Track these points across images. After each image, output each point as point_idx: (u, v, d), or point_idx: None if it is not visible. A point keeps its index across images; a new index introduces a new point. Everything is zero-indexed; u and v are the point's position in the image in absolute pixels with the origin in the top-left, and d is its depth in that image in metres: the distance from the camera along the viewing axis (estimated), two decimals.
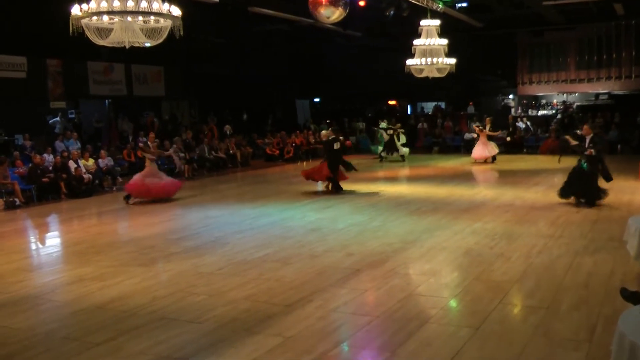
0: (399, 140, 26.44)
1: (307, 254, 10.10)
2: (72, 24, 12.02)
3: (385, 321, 6.92)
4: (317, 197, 16.46)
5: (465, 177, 20.67)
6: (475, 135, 26.22)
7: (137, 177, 16.95)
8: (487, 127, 24.84)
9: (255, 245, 10.90)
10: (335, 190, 17.16)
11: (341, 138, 17.59)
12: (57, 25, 15.68)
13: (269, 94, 34.16)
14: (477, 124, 26.48)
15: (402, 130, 27.05)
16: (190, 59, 30.09)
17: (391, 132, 26.25)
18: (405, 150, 26.43)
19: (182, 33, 12.42)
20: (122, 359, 6.11)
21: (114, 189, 20.43)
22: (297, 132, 30.35)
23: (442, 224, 12.31)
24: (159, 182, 16.90)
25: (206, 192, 18.51)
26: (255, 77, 32.26)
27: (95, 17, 12.19)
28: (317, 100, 39.69)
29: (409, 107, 38.68)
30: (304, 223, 12.89)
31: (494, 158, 24.47)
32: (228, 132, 28.94)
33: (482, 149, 24.47)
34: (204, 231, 12.45)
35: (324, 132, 19.06)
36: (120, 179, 21.33)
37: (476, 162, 24.46)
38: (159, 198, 16.74)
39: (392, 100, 37.74)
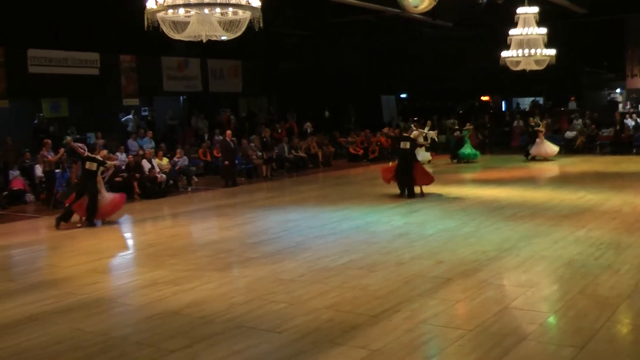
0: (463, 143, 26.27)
1: (394, 261, 10.02)
2: (147, 18, 12.30)
3: (479, 336, 6.77)
4: (403, 201, 16.33)
5: (566, 180, 20.17)
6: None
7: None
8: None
9: (338, 251, 10.89)
10: (410, 195, 16.71)
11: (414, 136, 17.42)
12: (130, 20, 16.11)
13: (352, 90, 34.16)
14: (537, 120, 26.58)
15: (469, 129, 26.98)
16: (269, 53, 30.39)
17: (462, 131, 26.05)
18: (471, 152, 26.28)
19: (261, 25, 12.52)
20: None
21: (189, 189, 20.85)
22: (383, 130, 30.22)
23: (541, 231, 12.00)
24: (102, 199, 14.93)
25: (285, 193, 18.69)
26: (337, 72, 32.33)
27: (171, 10, 12.44)
28: (403, 96, 39.47)
29: (503, 103, 37.98)
30: (389, 228, 12.82)
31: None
32: (309, 130, 29.09)
33: (542, 147, 25.42)
34: (283, 235, 12.54)
35: (415, 132, 18.95)
36: (195, 179, 21.77)
37: (535, 159, 25.36)
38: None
39: (484, 95, 37.17)
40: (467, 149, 25.99)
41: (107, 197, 15.04)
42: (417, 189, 16.71)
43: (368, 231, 12.57)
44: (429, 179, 16.76)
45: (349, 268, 9.69)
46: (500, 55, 22.04)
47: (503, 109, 37.40)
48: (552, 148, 25.61)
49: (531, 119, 26.88)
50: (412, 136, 17.85)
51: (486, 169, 23.81)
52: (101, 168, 14.92)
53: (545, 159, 25.26)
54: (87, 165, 14.71)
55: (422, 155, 24.68)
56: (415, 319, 7.31)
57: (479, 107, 35.37)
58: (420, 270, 9.42)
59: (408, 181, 16.57)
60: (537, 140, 25.40)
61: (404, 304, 7.82)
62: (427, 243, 11.30)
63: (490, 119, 32.67)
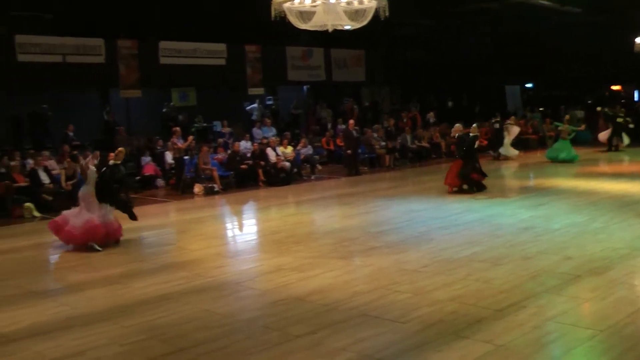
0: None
1: (519, 255, 9.80)
2: (274, 9, 12.50)
3: (611, 337, 6.51)
4: (528, 193, 15.96)
5: None
6: None
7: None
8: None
9: (461, 242, 10.76)
10: (478, 188, 16.36)
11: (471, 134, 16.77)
12: (256, 11, 16.45)
13: (476, 80, 33.57)
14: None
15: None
16: (393, 42, 30.28)
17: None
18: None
19: (387, 14, 12.50)
20: (322, 354, 6.28)
21: (313, 177, 21.14)
22: (508, 121, 29.48)
23: None
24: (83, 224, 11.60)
25: (408, 183, 18.61)
26: (461, 62, 31.85)
27: (297, 1, 12.60)
28: (529, 85, 38.42)
29: (635, 92, 36.27)
30: (514, 221, 12.53)
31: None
32: (431, 120, 28.83)
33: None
34: (406, 225, 12.51)
35: (457, 125, 18.25)
36: (319, 167, 22.04)
37: None
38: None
39: (615, 85, 35.62)
40: (563, 151, 22.88)
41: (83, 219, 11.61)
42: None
43: (492, 224, 12.35)
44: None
45: (473, 260, 9.56)
46: (635, 42, 21.04)
47: (635, 98, 35.70)
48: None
49: None
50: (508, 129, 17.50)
51: (617, 162, 22.84)
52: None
53: None
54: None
55: (509, 151, 24.09)
56: (542, 315, 7.13)
57: (608, 97, 33.92)
58: (547, 265, 9.18)
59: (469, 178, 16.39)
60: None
61: (530, 300, 7.64)
62: (553, 238, 10.98)
63: (622, 109, 31.25)
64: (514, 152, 24.31)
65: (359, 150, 22.41)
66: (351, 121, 22.62)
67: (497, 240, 10.85)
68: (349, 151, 21.61)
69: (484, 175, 16.69)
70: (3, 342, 7.05)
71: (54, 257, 11.88)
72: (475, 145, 16.61)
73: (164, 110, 24.87)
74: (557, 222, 12.23)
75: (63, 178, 17.13)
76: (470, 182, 16.38)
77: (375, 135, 24.04)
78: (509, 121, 24.97)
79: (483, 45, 32.58)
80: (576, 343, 6.40)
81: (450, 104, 33.30)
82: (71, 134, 21.10)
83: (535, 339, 6.49)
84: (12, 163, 16.91)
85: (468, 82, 33.15)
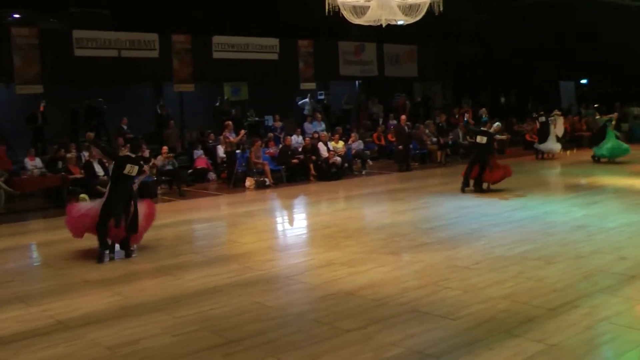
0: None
1: (572, 254, 9.64)
2: (328, 4, 12.54)
3: None
4: (582, 191, 15.69)
5: None
6: None
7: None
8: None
9: (514, 240, 10.64)
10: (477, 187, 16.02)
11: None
12: (309, 6, 16.48)
13: (529, 75, 33.10)
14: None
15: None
16: (446, 37, 30.05)
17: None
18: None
19: (441, 9, 12.43)
20: (372, 348, 6.27)
21: (364, 172, 21.14)
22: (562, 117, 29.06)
23: None
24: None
25: (459, 180, 18.33)
26: (514, 57, 31.42)
27: None
28: (583, 81, 37.72)
29: None
30: (568, 219, 12.34)
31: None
32: (483, 116, 28.52)
33: None
34: (457, 222, 12.42)
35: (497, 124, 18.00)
36: (370, 163, 22.03)
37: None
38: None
39: None
40: (608, 145, 21.56)
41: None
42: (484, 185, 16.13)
43: (545, 221, 12.17)
44: (499, 175, 16.04)
45: (525, 258, 9.44)
46: None
47: None
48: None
49: None
50: (492, 130, 16.86)
51: None
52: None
53: None
54: (127, 169, 10.51)
55: (553, 145, 23.33)
56: (595, 316, 7.00)
57: None
58: (601, 265, 9.00)
59: (477, 176, 15.99)
60: None
61: (584, 300, 7.51)
62: (608, 237, 10.77)
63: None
64: (557, 146, 23.55)
65: (410, 146, 22.30)
66: (403, 117, 22.55)
67: (550, 239, 10.70)
68: (400, 147, 21.55)
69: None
70: (60, 329, 7.22)
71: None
72: (479, 141, 16.16)
73: (216, 104, 25.10)
74: (611, 221, 12.00)
75: None
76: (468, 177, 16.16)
77: (426, 131, 23.91)
78: (555, 112, 24.40)
79: (537, 40, 32.04)
80: (630, 345, 6.26)
81: (502, 99, 32.92)
82: (125, 127, 21.46)
83: (588, 339, 6.38)
84: (69, 155, 17.28)
85: (521, 77, 32.69)
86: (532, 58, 32.08)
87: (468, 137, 17.04)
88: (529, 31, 31.04)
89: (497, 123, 18.15)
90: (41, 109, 20.87)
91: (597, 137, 22.59)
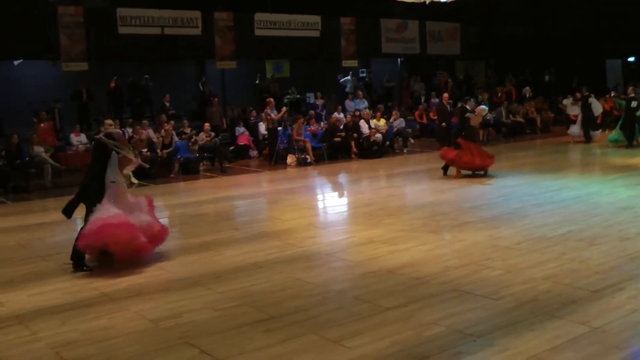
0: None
1: (617, 236, 9.47)
2: None
3: None
4: (628, 171, 15.39)
5: None
6: None
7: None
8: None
9: (556, 220, 10.49)
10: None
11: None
12: None
13: (574, 53, 32.51)
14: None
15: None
16: (489, 15, 29.64)
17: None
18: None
19: None
20: (412, 327, 6.25)
21: (405, 151, 21.05)
22: (607, 96, 28.50)
23: None
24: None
25: (501, 159, 18.15)
26: (559, 35, 30.89)
27: None
28: (631, 59, 36.91)
29: None
30: (612, 200, 12.12)
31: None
32: (527, 95, 28.16)
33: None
34: (500, 201, 12.28)
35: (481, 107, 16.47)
36: (411, 141, 21.92)
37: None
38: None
39: None
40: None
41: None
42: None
43: (589, 202, 11.97)
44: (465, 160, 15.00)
45: (568, 239, 9.31)
46: None
47: None
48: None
49: None
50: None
51: None
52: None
53: None
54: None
55: (575, 129, 21.79)
56: None
57: None
58: None
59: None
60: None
61: (629, 282, 7.37)
62: None
63: None
64: (596, 131, 21.98)
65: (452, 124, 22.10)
66: (445, 94, 22.33)
67: (593, 220, 10.51)
68: (443, 124, 21.35)
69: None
70: (105, 301, 7.35)
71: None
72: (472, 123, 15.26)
73: (256, 82, 25.16)
74: None
75: (159, 146, 17.63)
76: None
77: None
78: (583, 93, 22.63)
79: (583, 18, 31.42)
80: None
81: (547, 78, 32.41)
82: (167, 103, 21.64)
83: (633, 322, 6.26)
84: None
85: (567, 55, 32.11)
86: (578, 35, 31.47)
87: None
88: (575, 8, 30.44)
89: (482, 106, 16.80)
90: (112, 84, 21.77)
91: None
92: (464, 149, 14.84)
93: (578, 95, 22.54)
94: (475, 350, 5.69)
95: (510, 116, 24.76)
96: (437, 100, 23.89)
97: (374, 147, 19.90)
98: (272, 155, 19.06)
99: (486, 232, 9.84)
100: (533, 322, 6.26)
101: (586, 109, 21.57)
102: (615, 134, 20.06)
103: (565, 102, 23.44)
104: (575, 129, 21.88)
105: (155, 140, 17.93)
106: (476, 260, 8.31)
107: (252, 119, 21.47)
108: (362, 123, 20.46)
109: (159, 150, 17.56)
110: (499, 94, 27.12)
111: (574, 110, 22.48)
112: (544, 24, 30.68)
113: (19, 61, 21.86)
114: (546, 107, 26.80)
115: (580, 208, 11.42)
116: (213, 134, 18.96)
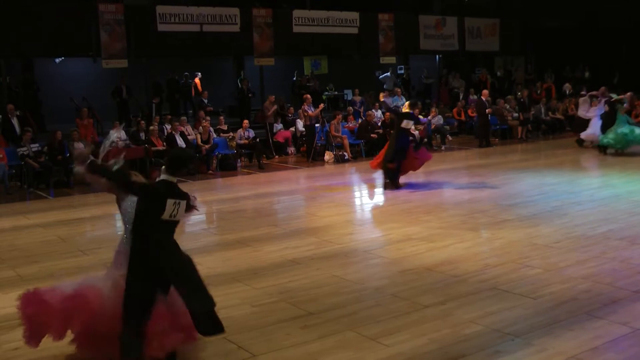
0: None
1: None
2: None
3: None
4: None
5: None
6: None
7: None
8: None
9: (596, 219, 10.37)
10: (390, 185, 13.95)
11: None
12: None
13: (616, 49, 32.00)
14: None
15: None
16: (529, 10, 29.33)
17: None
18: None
19: None
20: (450, 325, 6.23)
21: (443, 148, 20.93)
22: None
23: None
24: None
25: (540, 156, 18.02)
26: (600, 30, 30.42)
27: None
28: None
29: None
30: None
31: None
32: (568, 92, 27.81)
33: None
34: (539, 199, 12.17)
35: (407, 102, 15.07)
36: (449, 138, 21.81)
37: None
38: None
39: None
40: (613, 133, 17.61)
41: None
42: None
43: (630, 200, 11.80)
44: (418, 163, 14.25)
45: (608, 238, 9.20)
46: None
47: None
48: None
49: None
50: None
51: None
52: None
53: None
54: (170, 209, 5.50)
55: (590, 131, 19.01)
56: None
57: None
58: None
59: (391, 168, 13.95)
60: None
61: None
62: None
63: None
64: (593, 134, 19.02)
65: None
66: (485, 91, 22.18)
67: (634, 219, 10.36)
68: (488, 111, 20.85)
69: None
70: None
71: (189, 218, 12.33)
72: (405, 125, 13.86)
73: (293, 79, 25.21)
74: None
75: (198, 142, 17.80)
76: (386, 171, 14.12)
77: (507, 106, 23.46)
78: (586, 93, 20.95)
79: (624, 12, 30.88)
80: None
81: (587, 74, 31.96)
82: (205, 100, 21.80)
83: None
84: (151, 127, 17.67)
85: (608, 51, 31.60)
86: (620, 31, 30.96)
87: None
88: (615, 2, 29.94)
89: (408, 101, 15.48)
90: (197, 80, 22.47)
91: (607, 122, 18.07)
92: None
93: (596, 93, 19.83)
94: (513, 350, 5.66)
95: (550, 113, 24.47)
96: (475, 97, 23.71)
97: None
98: (309, 151, 19.09)
99: (525, 230, 9.76)
100: (572, 322, 6.21)
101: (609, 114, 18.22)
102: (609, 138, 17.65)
103: (582, 101, 20.45)
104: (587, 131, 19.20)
105: (193, 136, 18.12)
106: (515, 259, 8.25)
107: (289, 115, 21.52)
108: None
109: (199, 144, 17.71)
110: (539, 91, 26.82)
111: (591, 113, 19.25)
112: (586, 18, 30.17)
113: (60, 58, 22.18)
114: None
115: (621, 207, 11.28)
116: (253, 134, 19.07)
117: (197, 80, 23.63)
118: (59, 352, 5.84)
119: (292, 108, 21.84)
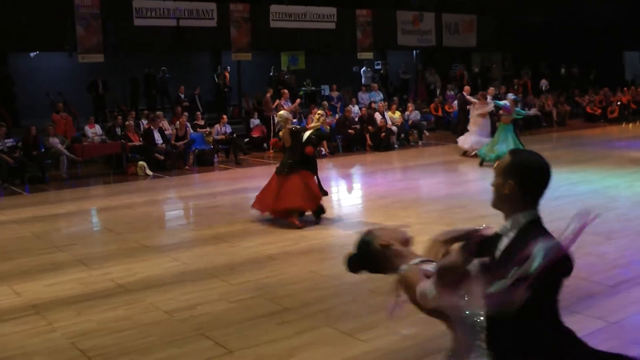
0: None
1: (635, 230, 9.42)
2: None
3: None
4: None
5: None
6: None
7: None
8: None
9: (573, 214, 10.36)
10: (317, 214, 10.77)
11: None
12: None
13: (592, 46, 32.24)
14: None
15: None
16: (507, 6, 29.45)
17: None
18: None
19: None
20: (428, 320, 6.04)
21: (420, 143, 20.95)
22: (625, 89, 28.31)
23: None
24: None
25: None
26: (576, 26, 30.64)
27: None
28: None
29: None
30: (630, 194, 12.03)
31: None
32: (544, 88, 27.98)
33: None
34: None
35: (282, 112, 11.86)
36: (427, 133, 21.84)
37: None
38: None
39: None
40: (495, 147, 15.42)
41: None
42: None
43: (606, 196, 11.88)
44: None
45: (585, 233, 9.10)
46: None
47: None
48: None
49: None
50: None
51: None
52: None
53: None
54: None
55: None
56: None
57: None
58: None
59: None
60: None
61: None
62: None
63: None
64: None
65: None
66: (466, 87, 22.21)
67: (610, 213, 10.38)
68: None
69: (323, 191, 10.95)
70: (121, 292, 7.37)
71: (166, 214, 12.31)
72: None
73: (270, 74, 25.15)
74: None
75: (173, 138, 17.68)
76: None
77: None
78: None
79: (600, 9, 31.14)
80: None
81: (563, 70, 32.18)
82: (182, 95, 21.68)
83: None
84: (127, 122, 17.53)
85: (585, 48, 31.82)
86: (596, 28, 31.19)
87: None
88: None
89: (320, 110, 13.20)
90: (226, 73, 22.75)
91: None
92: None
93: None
94: None
95: (526, 108, 24.56)
96: (452, 93, 23.77)
97: (389, 139, 19.76)
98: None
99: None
100: None
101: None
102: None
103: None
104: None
105: (169, 132, 18.00)
106: None
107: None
108: (377, 115, 20.38)
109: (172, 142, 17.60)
110: (515, 87, 26.95)
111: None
112: (563, 15, 30.34)
113: (35, 53, 21.94)
114: (562, 100, 26.62)
115: (597, 201, 11.32)
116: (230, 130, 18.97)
117: (226, 73, 23.45)
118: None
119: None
